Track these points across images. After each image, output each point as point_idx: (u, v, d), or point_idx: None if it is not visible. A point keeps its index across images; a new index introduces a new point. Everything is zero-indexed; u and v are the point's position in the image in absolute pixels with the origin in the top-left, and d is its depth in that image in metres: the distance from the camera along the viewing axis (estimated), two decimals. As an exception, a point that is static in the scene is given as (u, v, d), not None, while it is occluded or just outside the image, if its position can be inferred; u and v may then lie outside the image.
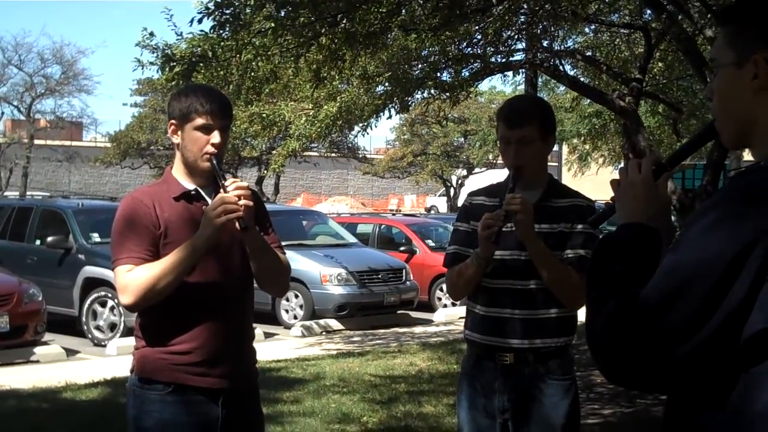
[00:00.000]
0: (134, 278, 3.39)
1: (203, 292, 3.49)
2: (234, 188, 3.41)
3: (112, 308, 13.80)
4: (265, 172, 39.53)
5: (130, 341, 12.82)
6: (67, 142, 50.49)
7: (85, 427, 7.99)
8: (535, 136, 3.86)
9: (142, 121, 43.98)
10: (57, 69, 47.62)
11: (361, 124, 13.36)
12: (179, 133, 3.56)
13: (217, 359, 3.49)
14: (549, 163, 4.13)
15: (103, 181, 56.61)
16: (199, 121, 3.50)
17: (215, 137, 3.51)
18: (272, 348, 12.51)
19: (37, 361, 11.95)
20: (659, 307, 1.82)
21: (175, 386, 3.46)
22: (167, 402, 3.46)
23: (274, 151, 30.82)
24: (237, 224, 3.38)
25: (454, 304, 17.12)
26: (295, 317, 15.68)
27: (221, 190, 3.43)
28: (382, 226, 20.73)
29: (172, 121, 3.58)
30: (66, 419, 8.27)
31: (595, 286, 2.01)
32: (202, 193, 3.59)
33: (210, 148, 3.52)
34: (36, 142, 46.55)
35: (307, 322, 15.19)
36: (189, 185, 3.59)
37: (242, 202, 3.38)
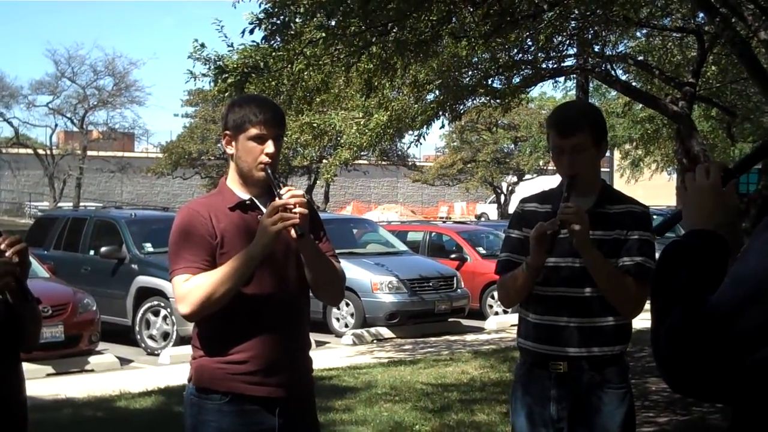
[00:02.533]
0: (192, 287, 3.40)
1: (259, 302, 3.50)
2: (289, 196, 3.41)
3: (164, 317, 13.91)
4: (316, 181, 39.73)
5: (183, 350, 13.00)
6: (120, 153, 51.11)
7: (139, 435, 8.07)
8: (588, 144, 3.81)
9: (193, 131, 44.41)
10: (109, 81, 48.34)
11: (414, 134, 13.37)
12: (233, 143, 3.57)
13: (273, 368, 3.49)
14: (601, 169, 4.09)
15: (155, 191, 57.17)
16: (253, 131, 3.51)
17: (269, 147, 3.52)
18: (324, 356, 12.53)
19: (92, 370, 12.07)
20: (728, 316, 1.78)
21: (232, 396, 3.46)
22: (224, 412, 3.46)
23: (324, 160, 30.98)
24: (293, 231, 3.38)
25: (505, 312, 17.06)
26: (346, 325, 15.69)
27: (276, 199, 3.44)
28: (433, 234, 20.67)
29: (227, 132, 3.59)
30: (121, 428, 8.35)
31: (661, 293, 1.98)
32: (257, 202, 3.59)
33: (264, 158, 3.52)
34: (89, 153, 47.12)
35: (359, 330, 15.19)
36: (244, 195, 3.60)
37: (297, 209, 3.37)
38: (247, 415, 3.48)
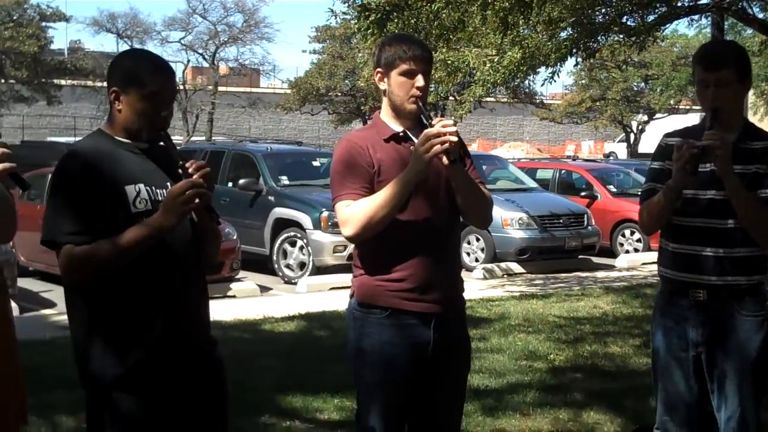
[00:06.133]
0: (354, 212, 3.68)
1: (414, 227, 3.75)
2: (441, 126, 3.63)
3: (301, 248, 14.31)
4: (451, 118, 39.78)
5: (320, 279, 13.34)
6: (248, 89, 51.85)
7: (284, 354, 8.52)
8: (732, 78, 3.91)
9: (321, 67, 44.75)
10: (239, 17, 49.11)
11: (548, 71, 13.35)
12: (386, 80, 3.83)
13: (428, 286, 3.75)
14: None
15: (282, 127, 57.89)
16: (404, 66, 3.76)
17: (419, 81, 3.77)
18: (456, 288, 12.69)
19: (234, 296, 12.56)
20: None
21: (391, 311, 3.74)
22: (385, 325, 3.75)
23: (450, 98, 30.98)
24: (445, 158, 3.61)
25: (636, 250, 17.04)
26: (477, 260, 15.91)
27: (428, 129, 3.66)
28: (563, 172, 20.66)
29: (379, 69, 3.85)
30: (268, 347, 8.82)
31: None
32: (410, 134, 3.84)
33: (415, 92, 3.77)
34: (219, 88, 48.02)
35: (489, 265, 15.40)
36: (397, 128, 3.85)
37: (449, 137, 3.60)
38: (406, 329, 3.75)
